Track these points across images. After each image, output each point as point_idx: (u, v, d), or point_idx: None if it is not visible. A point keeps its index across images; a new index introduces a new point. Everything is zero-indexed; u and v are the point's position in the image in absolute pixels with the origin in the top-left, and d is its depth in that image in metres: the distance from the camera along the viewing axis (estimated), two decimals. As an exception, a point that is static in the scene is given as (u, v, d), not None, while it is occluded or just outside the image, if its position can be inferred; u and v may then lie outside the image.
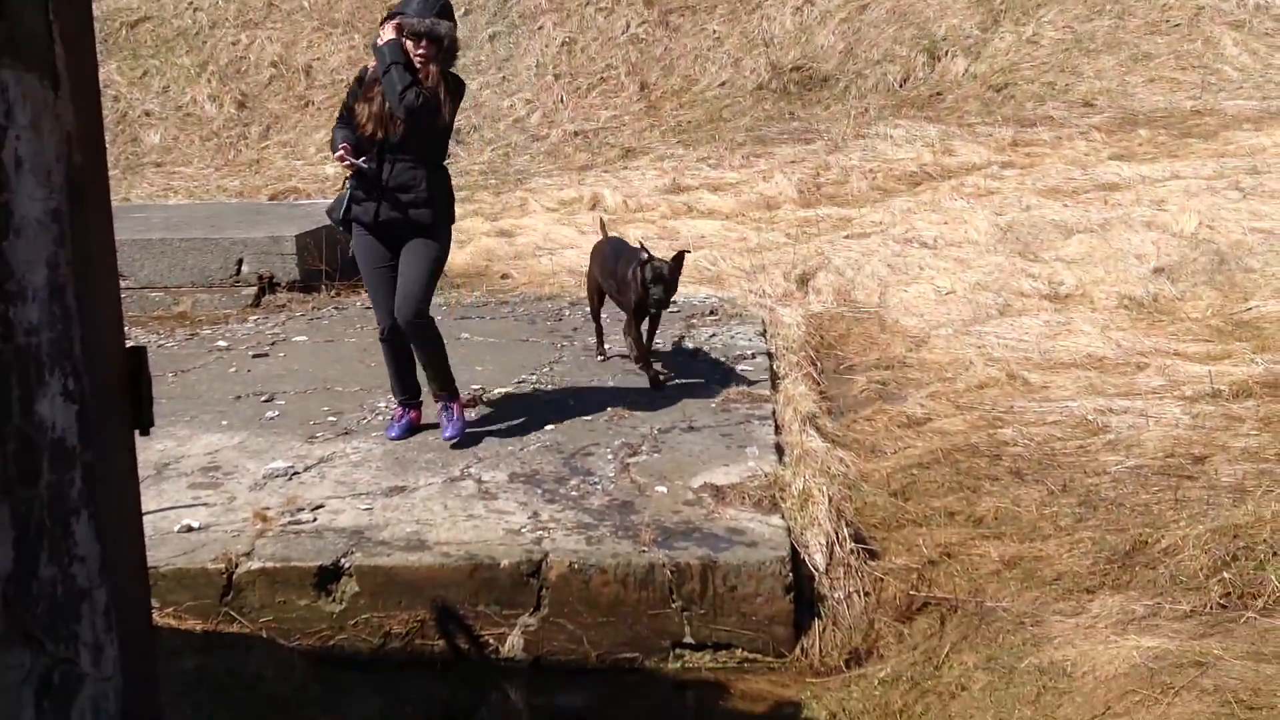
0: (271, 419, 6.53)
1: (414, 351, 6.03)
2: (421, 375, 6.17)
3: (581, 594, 4.76)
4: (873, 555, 5.14)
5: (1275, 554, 4.49)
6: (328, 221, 6.46)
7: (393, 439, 6.14)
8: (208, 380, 7.36)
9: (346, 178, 5.93)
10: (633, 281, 6.85)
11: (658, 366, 7.23)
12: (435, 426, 6.20)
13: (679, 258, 6.89)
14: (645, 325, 7.14)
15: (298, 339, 8.42)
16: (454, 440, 6.01)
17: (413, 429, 6.23)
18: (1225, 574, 4.45)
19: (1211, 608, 4.28)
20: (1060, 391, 7.04)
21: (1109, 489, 5.51)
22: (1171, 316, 8.45)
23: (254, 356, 7.91)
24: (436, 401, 6.12)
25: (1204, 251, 9.43)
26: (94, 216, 2.38)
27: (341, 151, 5.71)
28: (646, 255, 6.79)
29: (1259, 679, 3.72)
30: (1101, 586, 4.60)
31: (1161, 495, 5.34)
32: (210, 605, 4.71)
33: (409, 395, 6.24)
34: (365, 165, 5.71)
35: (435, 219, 5.86)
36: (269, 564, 4.78)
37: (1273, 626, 4.07)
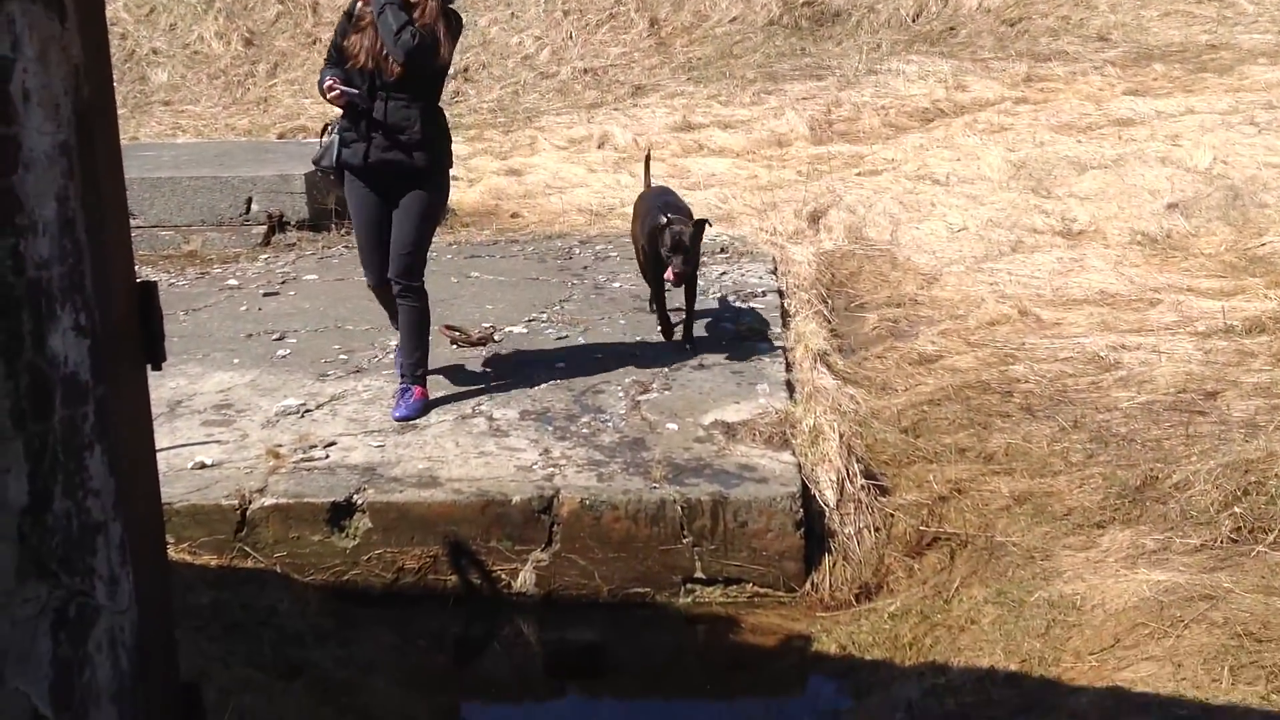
0: (283, 357, 6.54)
1: (399, 316, 5.71)
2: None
3: (593, 530, 4.78)
4: (883, 491, 5.15)
5: (1286, 488, 4.49)
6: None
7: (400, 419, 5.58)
8: (219, 319, 7.37)
9: (326, 125, 5.64)
10: (647, 245, 6.33)
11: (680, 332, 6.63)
12: (448, 364, 6.22)
13: (700, 226, 6.19)
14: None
15: (308, 278, 8.42)
16: (403, 419, 5.55)
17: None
18: (1236, 509, 4.45)
19: (1222, 542, 4.28)
20: (1072, 328, 7.02)
21: (1120, 425, 5.50)
22: (1185, 252, 8.40)
23: (264, 295, 7.92)
24: (405, 381, 5.72)
25: (1218, 187, 9.35)
26: (103, 151, 2.37)
27: (331, 82, 5.32)
28: (665, 218, 6.10)
29: (1268, 612, 3.73)
30: (1112, 521, 4.61)
31: (1173, 431, 5.33)
32: (224, 541, 4.75)
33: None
34: (357, 96, 5.35)
35: (430, 162, 5.51)
36: (282, 500, 4.80)
37: (1282, 560, 4.08)
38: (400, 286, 5.60)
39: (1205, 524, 4.42)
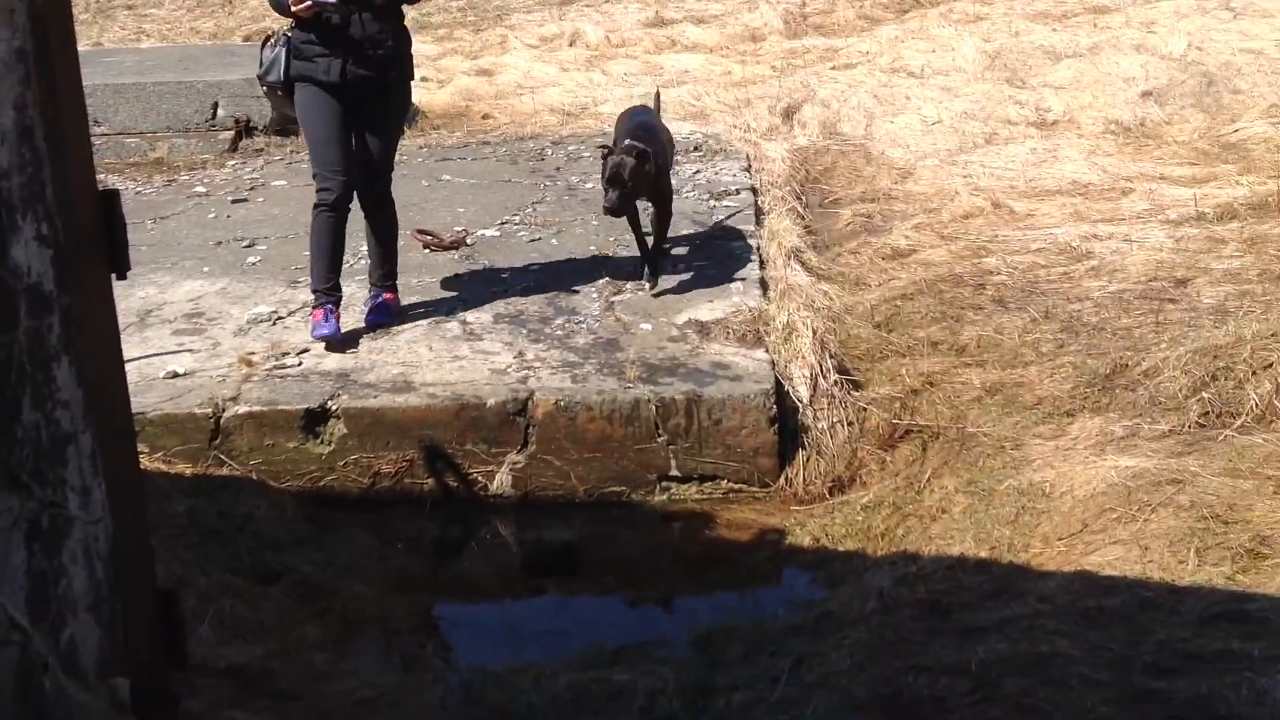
0: (253, 264, 6.50)
1: (374, 229, 5.56)
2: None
3: (568, 431, 4.81)
4: (856, 386, 5.19)
5: (1254, 373, 4.53)
6: None
7: (324, 336, 5.30)
8: (187, 227, 7.30)
9: (268, 37, 5.40)
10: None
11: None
12: (420, 269, 6.19)
13: (642, 157, 5.60)
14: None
15: (277, 183, 8.32)
16: (377, 325, 5.49)
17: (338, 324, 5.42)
18: (1204, 394, 4.50)
19: (1190, 427, 4.34)
20: (1045, 219, 7.02)
21: (1091, 314, 5.53)
22: (1158, 140, 8.37)
23: (233, 202, 7.83)
24: (378, 289, 5.60)
25: (1192, 74, 9.30)
26: (59, 57, 2.33)
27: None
28: (607, 149, 5.81)
29: (1234, 494, 3.80)
30: (1081, 410, 4.66)
31: (1143, 319, 5.37)
32: (199, 449, 4.76)
33: (336, 280, 5.46)
34: (332, 8, 5.05)
35: (402, 76, 5.40)
36: (256, 408, 4.81)
37: (1249, 444, 4.13)
38: (376, 200, 5.48)
39: (1173, 410, 4.47)
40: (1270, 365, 4.57)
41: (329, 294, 5.38)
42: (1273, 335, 4.80)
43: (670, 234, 6.45)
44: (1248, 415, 4.36)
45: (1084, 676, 2.92)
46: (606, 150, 5.79)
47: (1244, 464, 4.01)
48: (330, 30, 5.14)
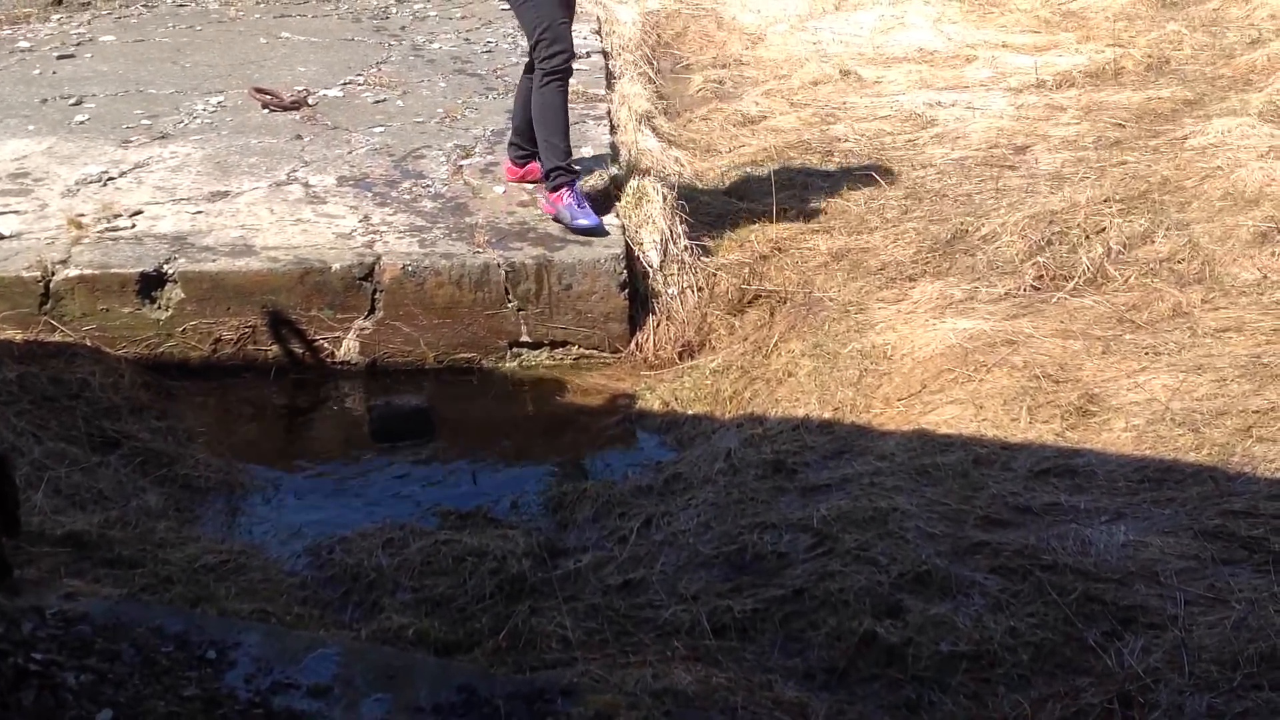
0: (81, 123, 6.18)
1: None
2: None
3: (416, 296, 4.74)
4: (706, 252, 5.21)
5: (1087, 238, 4.69)
6: None
7: (594, 225, 4.94)
8: (10, 83, 6.88)
9: None
10: None
11: None
12: (259, 129, 5.98)
13: None
14: None
15: (105, 39, 7.90)
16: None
17: None
18: (1039, 258, 4.64)
19: (1025, 290, 4.48)
20: (892, 86, 7.08)
21: (934, 181, 5.63)
22: (1002, 8, 8.48)
23: (59, 58, 7.42)
24: (558, 176, 5.00)
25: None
26: None
27: None
28: None
29: (1065, 354, 3.94)
30: (923, 274, 4.76)
31: (983, 185, 5.49)
32: (29, 314, 4.55)
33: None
34: None
35: None
36: (87, 271, 4.61)
37: (1081, 305, 4.29)
38: None
39: (1010, 273, 4.60)
40: (1103, 230, 4.73)
41: (574, 170, 4.97)
42: (1105, 201, 4.97)
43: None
44: (1080, 278, 4.52)
45: (919, 530, 3.03)
46: None
47: (1075, 325, 4.17)
48: None
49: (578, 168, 4.86)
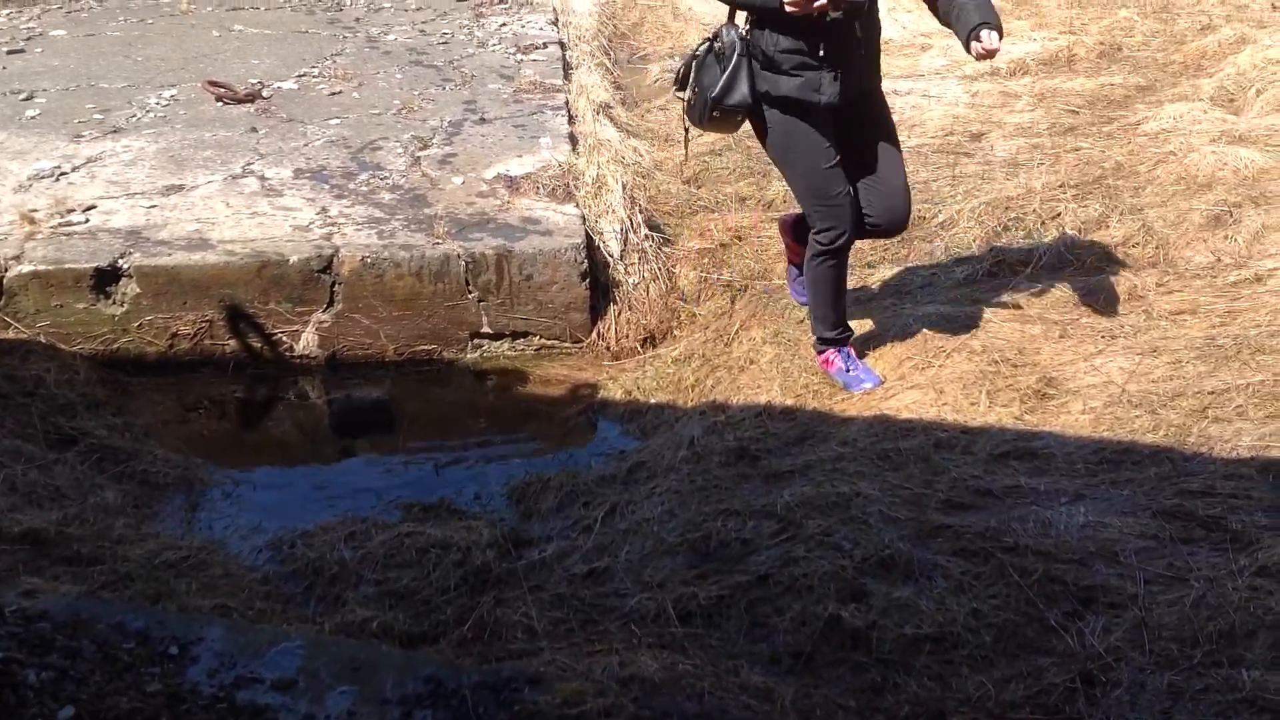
0: (33, 118, 6.10)
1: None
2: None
3: (376, 288, 4.71)
4: (666, 241, 5.21)
5: (1043, 223, 4.73)
6: None
7: (876, 384, 4.01)
8: (-44, 79, 6.80)
9: (712, 41, 3.76)
10: None
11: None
12: (214, 123, 5.92)
13: None
14: None
15: (55, 33, 7.81)
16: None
17: None
18: (996, 244, 4.67)
19: (983, 276, 4.51)
20: (849, 75, 7.10)
21: (892, 169, 5.65)
22: (957, -2, 8.51)
23: (9, 53, 7.33)
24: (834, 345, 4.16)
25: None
26: None
27: None
28: None
29: (1023, 338, 3.98)
30: (882, 261, 4.79)
31: (940, 172, 5.52)
32: (-20, 312, 4.50)
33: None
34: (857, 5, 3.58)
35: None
36: (40, 267, 4.55)
37: (1037, 290, 4.32)
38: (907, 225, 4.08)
39: (968, 260, 4.63)
40: (1058, 215, 4.78)
41: (844, 338, 4.16)
42: (1060, 186, 5.01)
43: (477, 88, 6.35)
44: (1035, 264, 4.56)
45: (882, 514, 3.05)
46: None
47: (1032, 310, 4.21)
48: (819, 32, 3.61)
49: (848, 334, 4.15)
